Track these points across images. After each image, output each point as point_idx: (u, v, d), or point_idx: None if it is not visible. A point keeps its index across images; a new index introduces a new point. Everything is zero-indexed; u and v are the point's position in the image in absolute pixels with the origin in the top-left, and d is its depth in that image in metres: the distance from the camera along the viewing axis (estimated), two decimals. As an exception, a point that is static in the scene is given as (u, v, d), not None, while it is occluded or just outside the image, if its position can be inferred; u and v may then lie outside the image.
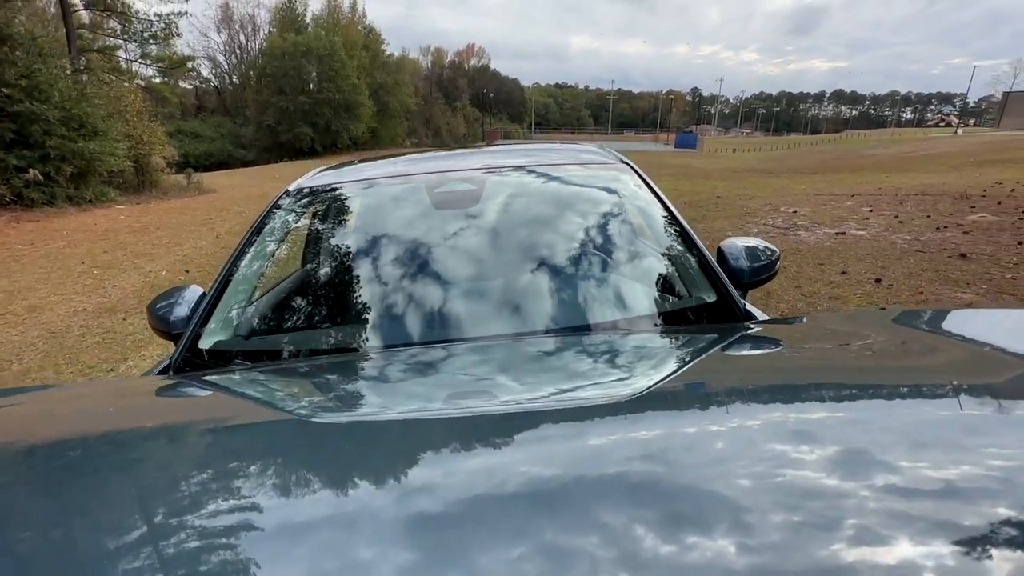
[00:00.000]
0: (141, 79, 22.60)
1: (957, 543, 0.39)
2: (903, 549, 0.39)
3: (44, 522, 0.51)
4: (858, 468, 0.49)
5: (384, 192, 1.69)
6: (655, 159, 29.29)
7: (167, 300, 1.50)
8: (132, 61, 22.44)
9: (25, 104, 11.26)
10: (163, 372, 1.30)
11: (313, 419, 0.76)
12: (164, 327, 1.44)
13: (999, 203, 8.07)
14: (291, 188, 1.75)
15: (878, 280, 4.91)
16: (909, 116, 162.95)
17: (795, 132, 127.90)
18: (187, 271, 6.62)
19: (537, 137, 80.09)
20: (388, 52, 50.80)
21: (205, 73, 51.12)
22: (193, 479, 0.57)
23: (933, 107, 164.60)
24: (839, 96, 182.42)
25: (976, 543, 0.39)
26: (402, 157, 2.07)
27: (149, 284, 6.07)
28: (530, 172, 1.73)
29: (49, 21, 21.12)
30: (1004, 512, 0.42)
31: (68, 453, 0.66)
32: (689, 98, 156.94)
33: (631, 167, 1.78)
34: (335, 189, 1.74)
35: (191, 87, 48.31)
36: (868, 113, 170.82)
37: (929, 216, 7.56)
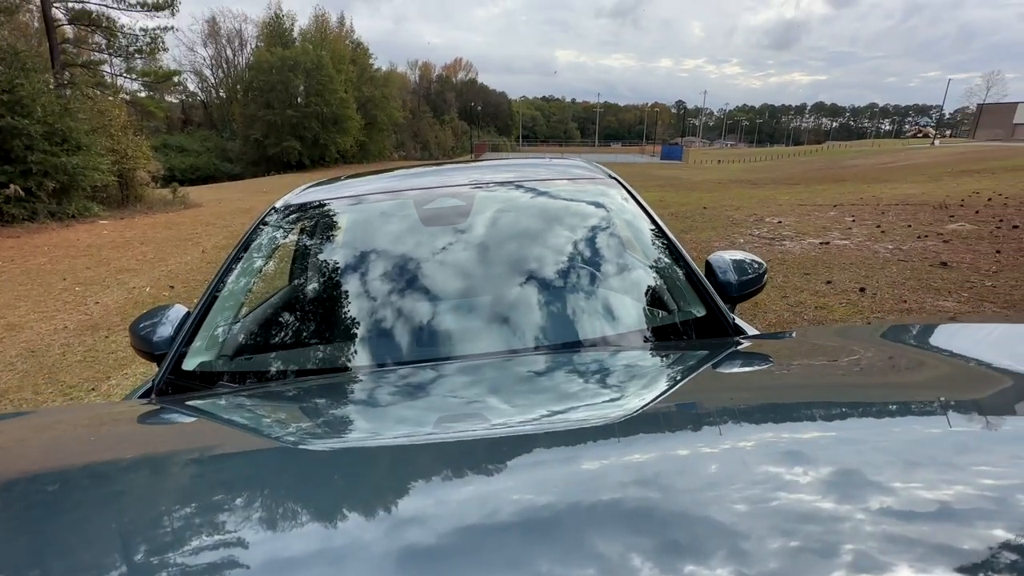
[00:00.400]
0: (126, 93, 22.44)
1: (957, 570, 0.39)
2: (898, 568, 0.38)
3: (19, 560, 0.49)
4: (854, 490, 0.49)
5: (372, 208, 1.68)
6: (642, 171, 29.63)
7: (150, 320, 1.48)
8: (117, 75, 22.30)
9: (6, 119, 11.12)
10: (145, 395, 1.28)
11: (300, 446, 0.75)
12: (147, 348, 1.41)
13: (977, 212, 8.25)
14: (278, 204, 1.73)
15: (862, 289, 4.98)
16: (888, 128, 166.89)
17: (778, 143, 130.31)
18: (172, 287, 6.52)
19: (525, 149, 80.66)
20: (376, 66, 51.08)
21: (191, 87, 51.05)
22: (176, 513, 0.56)
23: (911, 119, 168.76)
24: (820, 108, 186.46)
25: (976, 569, 0.39)
26: (390, 173, 2.07)
27: (133, 300, 5.97)
28: (518, 187, 1.73)
29: (32, 35, 20.95)
30: (1001, 534, 0.42)
31: (44, 487, 0.64)
32: (674, 111, 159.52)
33: (619, 181, 1.80)
34: (323, 205, 1.73)
35: (177, 101, 48.13)
36: (848, 125, 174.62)
37: (910, 226, 7.70)
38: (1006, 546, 0.41)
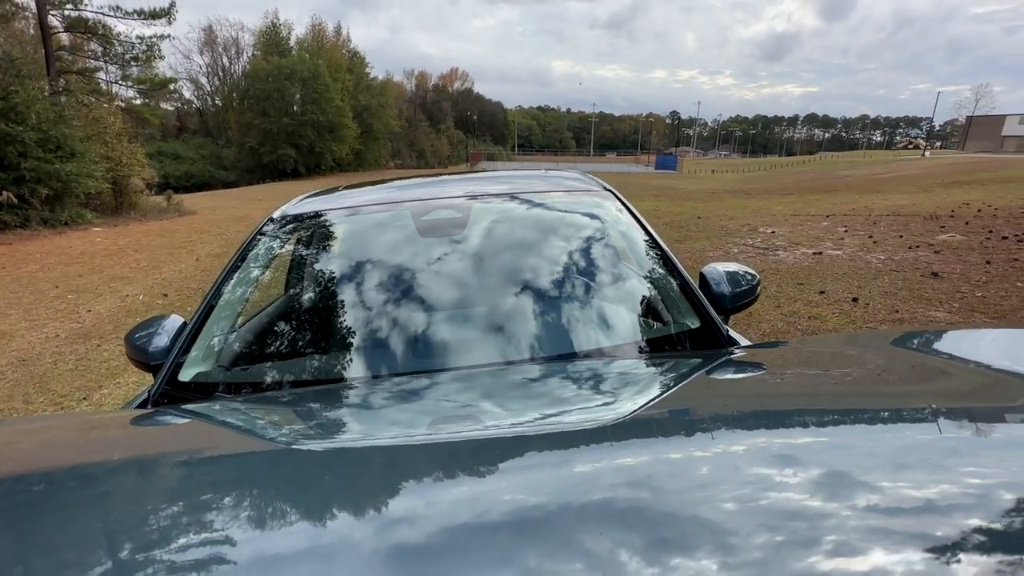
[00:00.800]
0: (121, 100, 22.37)
1: (928, 550, 0.40)
2: (876, 558, 0.40)
3: (10, 563, 0.49)
4: (839, 489, 0.50)
5: (370, 219, 1.69)
6: (637, 180, 29.82)
7: (146, 330, 1.47)
8: (112, 83, 22.29)
9: (0, 125, 11.07)
10: (141, 406, 1.27)
11: (293, 447, 0.76)
12: (143, 358, 1.40)
13: (967, 223, 8.35)
14: (276, 215, 1.74)
15: (855, 299, 5.02)
16: (879, 139, 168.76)
17: (771, 154, 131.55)
18: (165, 295, 6.49)
19: (520, 159, 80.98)
20: (372, 75, 51.25)
21: (187, 94, 50.93)
22: (167, 513, 0.56)
23: (901, 130, 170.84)
24: (812, 119, 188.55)
25: (946, 550, 0.40)
26: (388, 183, 2.08)
27: (126, 309, 5.93)
28: (514, 199, 1.75)
29: (27, 42, 20.92)
30: (975, 522, 0.44)
31: (33, 487, 0.64)
32: (668, 121, 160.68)
33: (614, 194, 1.81)
34: (320, 216, 1.73)
35: (172, 108, 48.02)
36: (840, 136, 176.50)
37: (901, 236, 7.78)
38: (978, 530, 0.42)
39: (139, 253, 9.34)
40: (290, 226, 1.71)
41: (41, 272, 7.88)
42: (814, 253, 7.07)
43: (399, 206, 1.74)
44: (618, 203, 1.75)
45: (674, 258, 1.51)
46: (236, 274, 1.50)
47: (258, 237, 1.63)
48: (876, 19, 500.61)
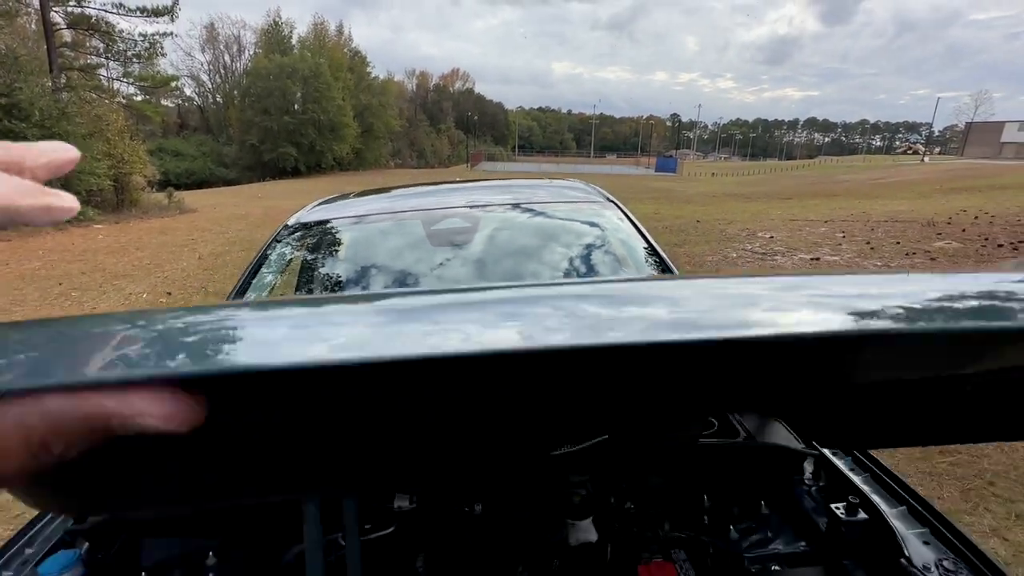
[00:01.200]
0: (123, 97, 22.39)
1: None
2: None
3: None
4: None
5: (381, 228, 1.75)
6: (637, 183, 29.90)
7: None
8: (114, 79, 22.33)
9: (4, 122, 11.12)
10: None
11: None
12: None
13: (963, 230, 8.43)
14: (290, 222, 1.80)
15: (851, 305, 5.08)
16: (879, 144, 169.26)
17: (771, 157, 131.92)
18: (169, 293, 6.54)
19: (521, 159, 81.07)
20: (373, 75, 51.35)
21: (188, 92, 51.01)
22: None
23: (901, 135, 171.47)
24: (812, 123, 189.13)
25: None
26: (398, 190, 2.14)
27: (129, 308, 5.98)
28: (522, 209, 1.81)
29: (30, 38, 20.96)
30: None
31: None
32: (669, 123, 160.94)
33: (616, 204, 1.88)
34: (333, 224, 1.79)
35: (173, 105, 48.05)
36: (840, 140, 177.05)
37: (898, 243, 7.86)
38: None
39: (141, 251, 9.39)
40: (305, 234, 1.77)
41: (44, 269, 7.92)
42: (812, 259, 7.14)
43: (410, 215, 1.81)
44: (619, 213, 1.81)
45: (673, 267, 1.57)
46: (254, 280, 1.56)
47: (274, 244, 1.69)
48: (876, 24, 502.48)
